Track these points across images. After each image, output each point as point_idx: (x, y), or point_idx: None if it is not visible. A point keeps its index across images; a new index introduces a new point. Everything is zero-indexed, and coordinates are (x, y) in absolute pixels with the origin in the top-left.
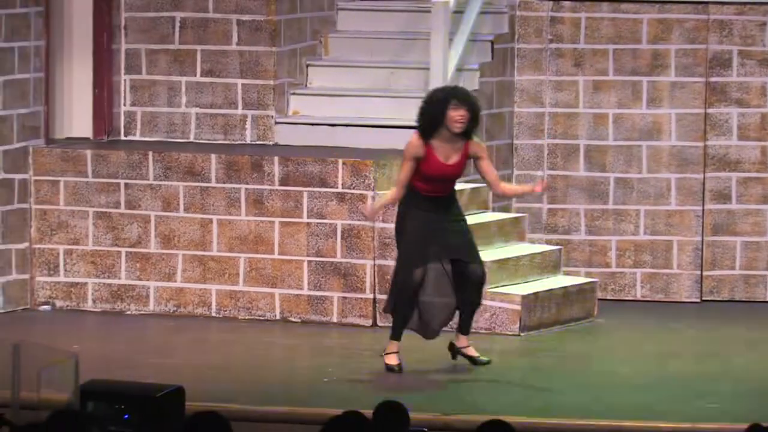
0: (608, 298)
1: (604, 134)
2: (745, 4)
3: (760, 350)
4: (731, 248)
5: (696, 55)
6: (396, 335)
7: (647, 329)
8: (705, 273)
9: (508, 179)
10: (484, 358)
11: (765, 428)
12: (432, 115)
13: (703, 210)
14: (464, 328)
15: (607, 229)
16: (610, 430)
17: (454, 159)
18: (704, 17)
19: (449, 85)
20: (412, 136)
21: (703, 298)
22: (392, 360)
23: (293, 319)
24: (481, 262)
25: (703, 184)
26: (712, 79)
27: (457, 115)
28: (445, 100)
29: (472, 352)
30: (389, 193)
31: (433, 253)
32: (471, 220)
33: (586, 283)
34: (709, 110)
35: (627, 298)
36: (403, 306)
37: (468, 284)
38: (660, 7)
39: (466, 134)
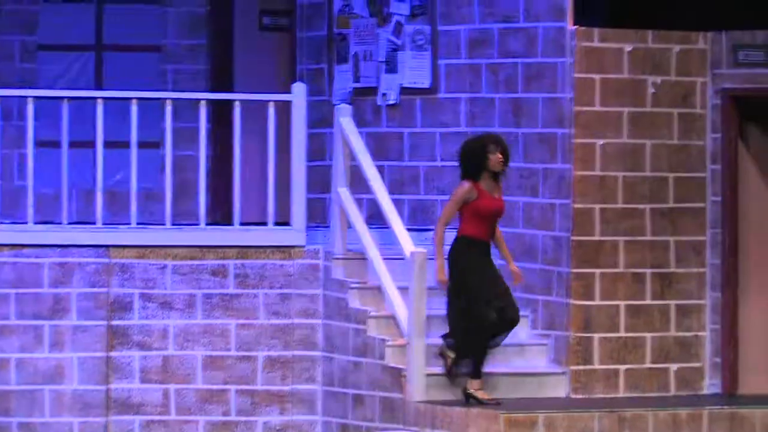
0: None
1: (6, 378)
2: (146, 247)
3: None
4: None
5: (97, 299)
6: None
7: None
8: None
9: None
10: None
11: None
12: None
13: None
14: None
15: None
16: None
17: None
18: (106, 261)
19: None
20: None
21: None
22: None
23: None
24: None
25: (106, 427)
26: (114, 323)
27: (496, 158)
28: (484, 146)
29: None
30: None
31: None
32: None
33: None
34: (111, 353)
35: None
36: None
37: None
38: (61, 250)
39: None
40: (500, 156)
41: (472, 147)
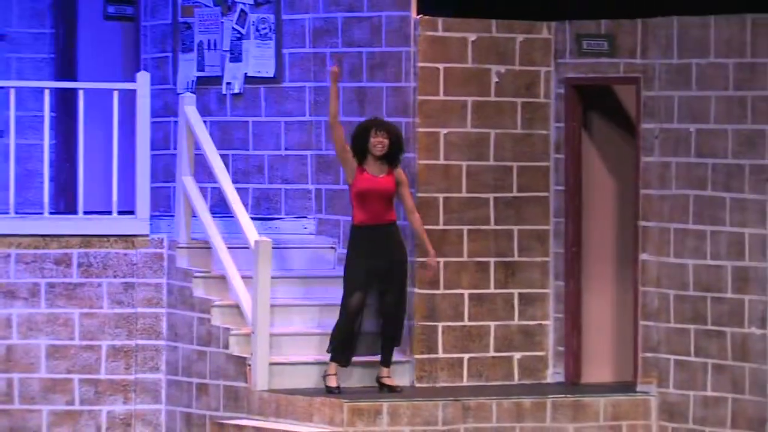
0: None
1: None
2: None
3: None
4: None
5: None
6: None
7: None
8: None
9: None
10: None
11: None
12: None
13: None
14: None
15: None
16: None
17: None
18: None
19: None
20: None
21: None
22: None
23: None
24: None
25: None
26: None
27: (376, 141)
28: (367, 129)
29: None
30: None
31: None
32: None
33: None
34: None
35: None
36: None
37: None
38: None
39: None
40: (381, 140)
41: (357, 129)
